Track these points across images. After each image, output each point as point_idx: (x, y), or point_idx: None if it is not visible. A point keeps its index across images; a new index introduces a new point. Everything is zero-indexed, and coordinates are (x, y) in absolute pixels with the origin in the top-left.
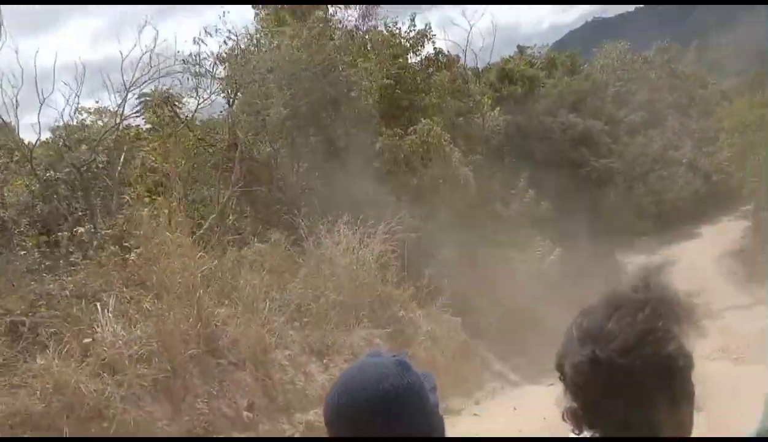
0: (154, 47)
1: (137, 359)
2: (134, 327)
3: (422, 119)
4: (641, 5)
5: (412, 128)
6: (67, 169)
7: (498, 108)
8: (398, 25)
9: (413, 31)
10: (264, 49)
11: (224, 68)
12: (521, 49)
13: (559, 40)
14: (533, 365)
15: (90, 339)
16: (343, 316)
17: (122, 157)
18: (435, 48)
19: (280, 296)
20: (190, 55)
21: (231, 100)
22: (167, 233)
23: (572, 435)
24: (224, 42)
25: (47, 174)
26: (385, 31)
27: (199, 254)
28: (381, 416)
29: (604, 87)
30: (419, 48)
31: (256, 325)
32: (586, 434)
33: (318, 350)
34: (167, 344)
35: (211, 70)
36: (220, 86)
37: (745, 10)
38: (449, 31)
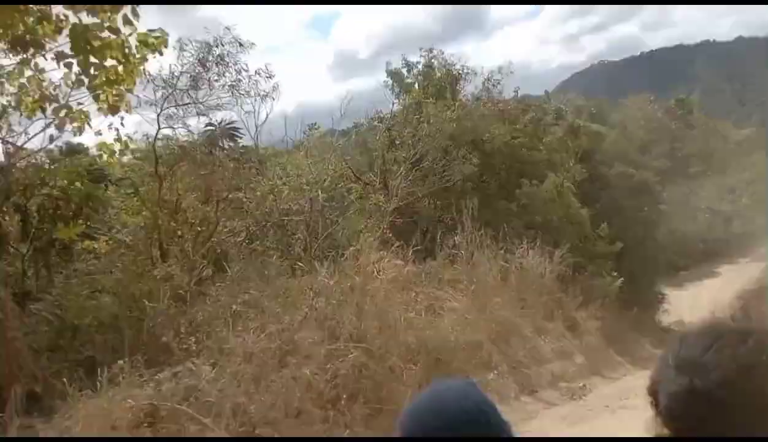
0: None
1: None
2: None
3: (548, 172)
4: (649, 51)
5: (536, 182)
6: None
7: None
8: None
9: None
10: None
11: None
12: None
13: (565, 81)
14: None
15: None
16: None
17: None
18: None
19: None
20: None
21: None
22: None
23: None
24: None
25: None
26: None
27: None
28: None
29: (635, 138)
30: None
31: None
32: None
33: None
34: None
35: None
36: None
37: (748, 60)
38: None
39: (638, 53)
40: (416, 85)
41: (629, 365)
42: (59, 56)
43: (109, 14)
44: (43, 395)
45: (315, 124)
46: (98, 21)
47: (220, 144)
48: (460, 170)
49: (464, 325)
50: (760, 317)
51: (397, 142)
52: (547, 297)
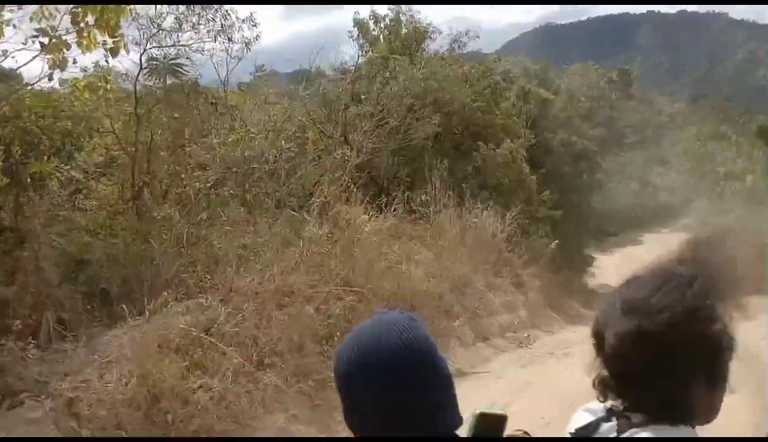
0: None
1: None
2: None
3: (502, 137)
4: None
5: (492, 146)
6: None
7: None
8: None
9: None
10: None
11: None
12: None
13: (513, 40)
14: None
15: None
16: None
17: None
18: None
19: None
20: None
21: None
22: None
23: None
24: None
25: None
26: (478, 66)
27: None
28: (397, 370)
29: (579, 106)
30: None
31: None
32: (613, 403)
33: None
34: None
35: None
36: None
37: (687, 34)
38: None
39: (585, 18)
40: (381, 39)
41: (562, 321)
42: None
43: None
44: (70, 322)
45: (263, 65)
46: None
47: (162, 79)
48: (423, 129)
49: (430, 276)
50: (706, 262)
51: (363, 97)
52: (497, 255)
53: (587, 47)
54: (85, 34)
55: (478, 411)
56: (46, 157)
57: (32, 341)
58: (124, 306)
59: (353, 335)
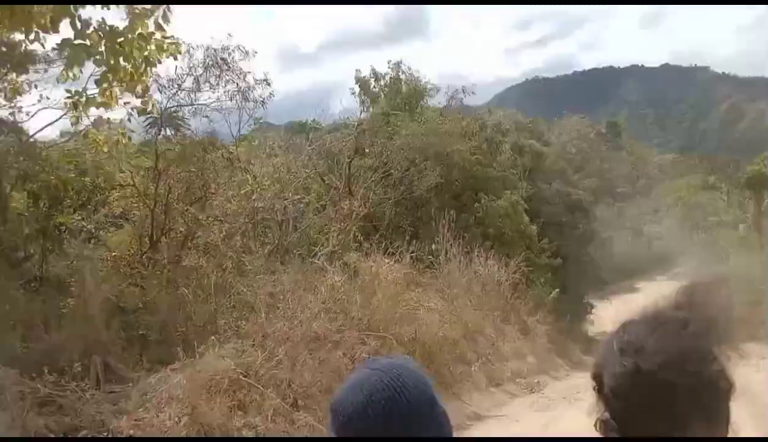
0: None
1: None
2: None
3: (501, 188)
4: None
5: (493, 197)
6: None
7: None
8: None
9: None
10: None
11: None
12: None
13: (500, 94)
14: None
15: None
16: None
17: None
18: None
19: None
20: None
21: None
22: None
23: None
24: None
25: None
26: (470, 121)
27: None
28: (397, 414)
29: (570, 157)
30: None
31: None
32: None
33: None
34: None
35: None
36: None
37: (672, 87)
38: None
39: (571, 72)
40: (382, 96)
41: (568, 368)
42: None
43: (144, 19)
44: (115, 366)
45: (260, 118)
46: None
47: (163, 131)
48: (426, 182)
49: (443, 323)
50: (702, 306)
51: (367, 150)
52: (503, 302)
53: (574, 100)
54: (107, 94)
55: None
56: (73, 210)
57: (86, 383)
58: (173, 349)
59: (348, 386)
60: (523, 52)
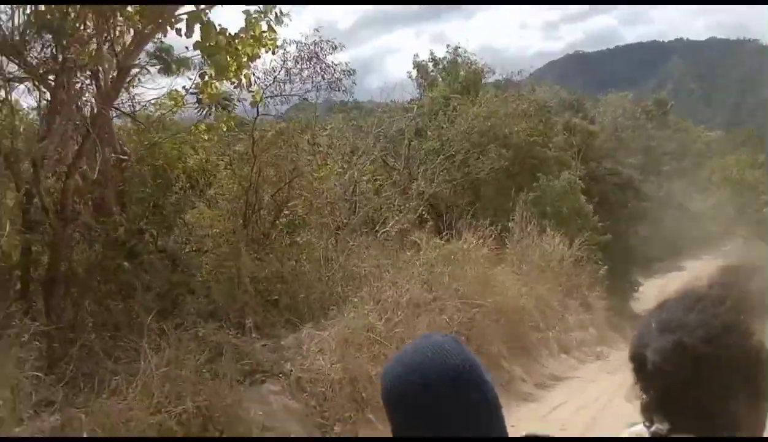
0: None
1: None
2: None
3: (556, 168)
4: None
5: (550, 177)
6: None
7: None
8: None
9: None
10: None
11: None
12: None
13: (540, 69)
14: None
15: None
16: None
17: None
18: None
19: None
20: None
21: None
22: None
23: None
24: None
25: None
26: (530, 103)
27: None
28: (444, 396)
29: (618, 136)
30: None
31: None
32: (658, 425)
33: None
34: None
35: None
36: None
37: (718, 61)
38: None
39: (613, 46)
40: (439, 79)
41: (621, 341)
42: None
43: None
44: (262, 324)
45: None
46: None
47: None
48: (490, 164)
49: (521, 295)
50: (736, 284)
51: (429, 133)
52: (566, 278)
53: (617, 75)
54: (207, 89)
55: (526, 434)
56: (183, 192)
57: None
58: (302, 313)
59: (402, 355)
60: (563, 26)
